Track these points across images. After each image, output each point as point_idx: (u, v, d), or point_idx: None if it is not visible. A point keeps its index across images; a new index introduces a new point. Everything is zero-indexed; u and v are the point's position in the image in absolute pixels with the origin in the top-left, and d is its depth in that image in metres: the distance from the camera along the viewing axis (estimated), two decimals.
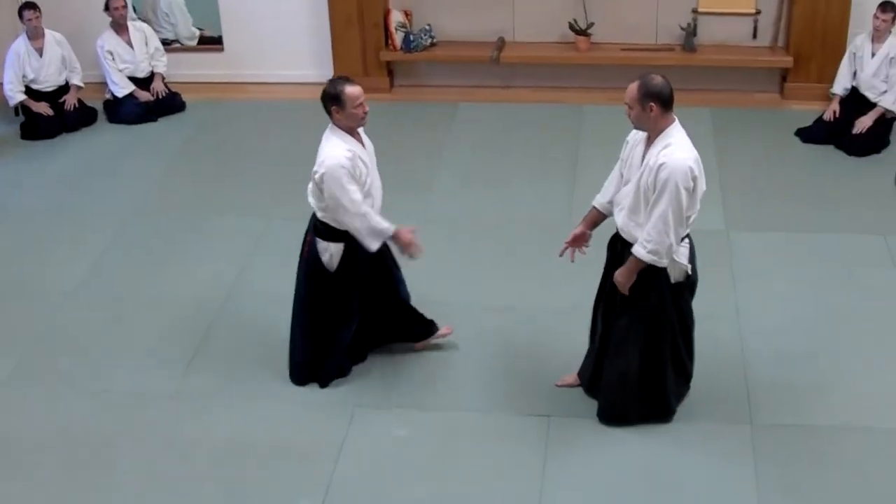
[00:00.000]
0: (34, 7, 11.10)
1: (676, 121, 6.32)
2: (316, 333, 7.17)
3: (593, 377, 7.00)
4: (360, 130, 6.94)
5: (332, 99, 6.73)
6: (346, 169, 6.65)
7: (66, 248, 9.07)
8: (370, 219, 6.72)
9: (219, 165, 10.49)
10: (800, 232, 8.95)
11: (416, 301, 7.53)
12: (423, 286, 7.88)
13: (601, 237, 6.78)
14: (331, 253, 6.94)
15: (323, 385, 7.26)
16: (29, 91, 11.27)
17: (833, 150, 10.33)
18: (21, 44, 11.20)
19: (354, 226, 6.71)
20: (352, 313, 7.16)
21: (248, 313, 8.14)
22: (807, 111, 10.86)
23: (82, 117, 11.43)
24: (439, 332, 7.54)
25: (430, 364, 7.46)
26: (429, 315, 7.50)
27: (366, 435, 6.89)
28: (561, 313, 7.88)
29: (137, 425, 7.04)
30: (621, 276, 6.46)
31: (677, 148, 6.19)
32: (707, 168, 9.49)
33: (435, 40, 11.78)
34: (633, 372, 6.65)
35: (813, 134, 10.51)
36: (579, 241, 6.83)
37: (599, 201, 6.76)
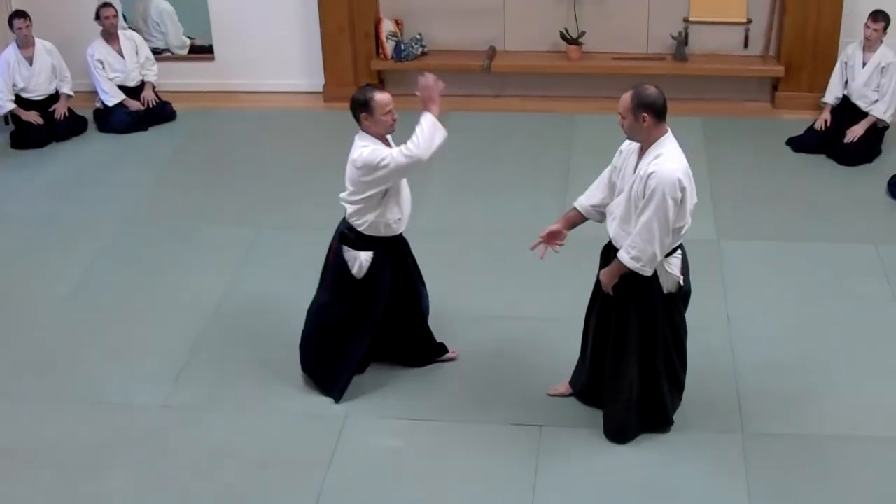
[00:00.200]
0: (24, 16, 11.10)
1: (669, 132, 6.31)
2: (333, 339, 7.15)
3: (587, 386, 6.99)
4: (389, 138, 6.89)
5: (361, 105, 6.74)
6: (381, 150, 6.67)
7: (56, 258, 9.05)
8: (417, 145, 6.68)
9: (209, 174, 10.47)
10: (791, 241, 8.95)
11: None
12: None
13: (593, 246, 6.76)
14: (360, 262, 6.93)
15: (338, 400, 7.21)
16: (19, 100, 11.26)
17: (824, 159, 10.34)
18: (11, 52, 11.18)
19: (414, 158, 6.64)
20: (373, 323, 7.14)
21: (239, 323, 8.12)
22: (798, 120, 10.86)
23: (72, 126, 11.42)
24: (447, 356, 7.55)
25: (422, 374, 7.44)
26: None
27: (357, 445, 6.87)
28: (553, 322, 7.86)
29: (127, 435, 7.01)
30: (604, 275, 6.49)
31: (668, 158, 6.19)
32: (698, 177, 9.47)
33: (426, 49, 11.79)
34: (634, 387, 6.65)
35: (804, 143, 10.51)
36: (554, 238, 6.80)
37: (581, 203, 6.74)
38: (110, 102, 11.45)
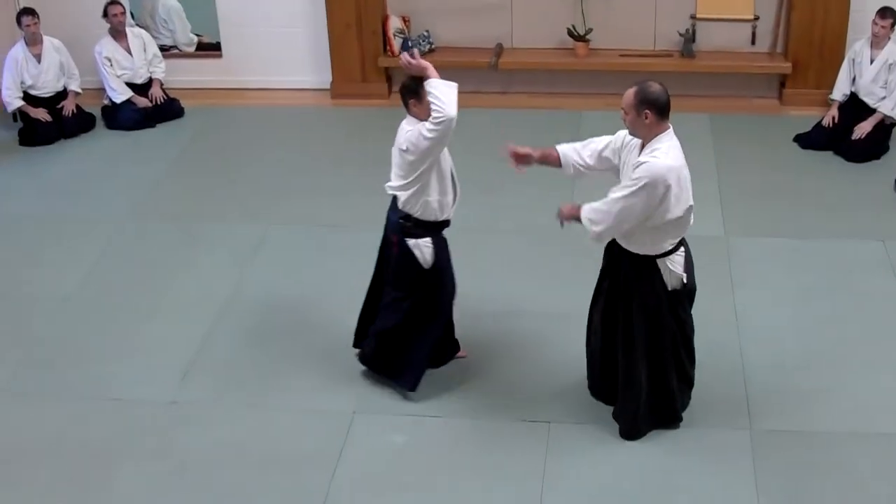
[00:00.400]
0: (32, 13, 11.11)
1: (671, 129, 6.31)
2: (409, 332, 7.14)
3: (598, 381, 7.00)
4: None
5: (411, 92, 6.79)
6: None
7: (64, 254, 9.06)
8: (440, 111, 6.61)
9: (217, 171, 10.48)
10: (799, 238, 8.94)
11: None
12: None
13: (581, 245, 6.76)
14: (421, 248, 6.94)
15: (413, 389, 7.21)
16: (27, 97, 11.27)
17: (832, 155, 10.32)
18: (19, 50, 11.19)
19: (444, 118, 6.57)
20: (447, 309, 7.20)
21: (247, 319, 8.13)
22: (806, 117, 10.85)
23: (80, 123, 11.43)
24: (458, 355, 7.57)
25: (429, 370, 7.44)
26: None
27: (365, 441, 6.88)
28: (560, 319, 7.85)
29: (134, 433, 7.03)
30: (564, 207, 6.56)
31: (662, 154, 6.20)
32: (706, 174, 9.50)
33: (433, 46, 11.78)
34: (644, 385, 6.65)
35: (812, 140, 10.50)
36: (522, 160, 6.79)
37: (565, 151, 6.71)
38: (118, 99, 11.46)
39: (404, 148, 6.73)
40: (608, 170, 6.59)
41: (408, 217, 6.91)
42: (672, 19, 11.42)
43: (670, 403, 6.77)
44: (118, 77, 11.47)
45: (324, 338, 7.86)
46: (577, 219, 6.46)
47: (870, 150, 10.23)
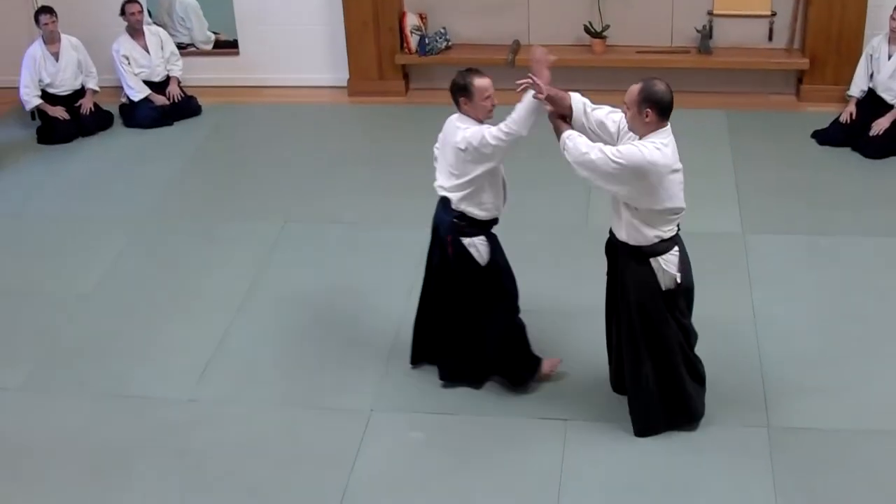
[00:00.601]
0: (50, 12, 11.14)
1: (668, 127, 6.31)
2: (496, 332, 7.12)
3: (615, 376, 7.03)
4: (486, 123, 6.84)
5: (461, 89, 6.76)
6: (482, 129, 6.65)
7: (82, 252, 9.09)
8: (518, 117, 6.60)
9: (234, 169, 10.50)
10: (816, 234, 8.92)
11: None
12: None
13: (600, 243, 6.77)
14: (477, 246, 6.91)
15: (532, 380, 7.21)
16: (45, 95, 11.31)
17: (849, 152, 10.29)
18: (37, 48, 11.23)
19: (513, 135, 6.56)
20: (515, 301, 7.17)
21: (265, 318, 8.14)
22: (823, 113, 10.82)
23: (98, 121, 11.46)
24: (545, 370, 7.49)
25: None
26: None
27: (382, 439, 6.89)
28: (577, 316, 7.85)
29: (153, 430, 7.05)
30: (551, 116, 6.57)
31: (652, 146, 6.19)
32: (723, 170, 9.48)
33: (450, 43, 11.79)
34: (651, 382, 6.64)
35: (829, 136, 10.48)
36: (539, 88, 6.60)
37: (576, 107, 6.57)
38: (136, 97, 11.49)
39: (463, 147, 6.66)
40: (604, 141, 6.50)
41: (462, 216, 6.86)
42: (689, 15, 11.41)
43: (684, 403, 6.76)
44: (136, 75, 11.50)
45: (341, 335, 7.88)
46: (557, 128, 6.45)
47: (887, 146, 10.20)
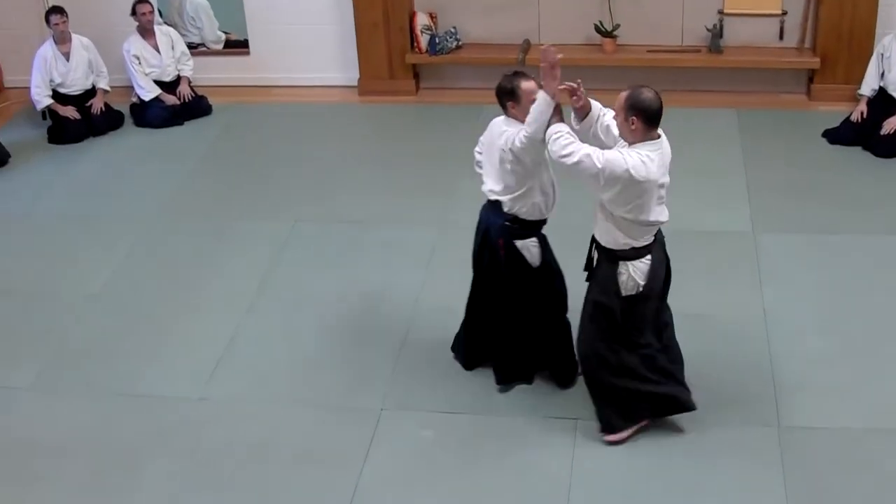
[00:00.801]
0: (61, 12, 11.15)
1: (661, 139, 6.25)
2: (544, 330, 7.13)
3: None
4: None
5: (507, 94, 6.71)
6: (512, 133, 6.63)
7: (92, 252, 9.10)
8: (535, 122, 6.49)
9: (245, 169, 10.50)
10: (827, 233, 8.91)
11: (440, 307, 7.54)
12: (447, 292, 7.88)
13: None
14: (529, 248, 6.90)
15: (569, 386, 7.23)
16: (56, 95, 11.33)
17: (860, 151, 10.27)
18: (48, 48, 11.25)
19: (529, 138, 6.47)
20: (565, 298, 7.15)
21: (275, 317, 8.15)
22: (834, 112, 10.80)
23: (109, 121, 11.47)
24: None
25: (456, 366, 7.45)
26: (452, 321, 7.50)
27: (392, 438, 6.89)
28: None
29: (163, 430, 7.06)
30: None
31: (637, 155, 6.13)
32: (734, 169, 9.45)
33: (460, 43, 11.78)
34: (607, 381, 6.67)
35: (840, 135, 10.45)
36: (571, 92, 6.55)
37: (595, 114, 6.55)
38: (146, 97, 11.50)
39: (505, 149, 6.64)
40: (605, 146, 6.46)
41: (514, 219, 6.84)
42: (699, 15, 11.39)
43: (644, 400, 6.72)
44: (146, 75, 11.51)
45: (352, 334, 7.88)
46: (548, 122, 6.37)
47: None
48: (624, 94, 6.19)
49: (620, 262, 6.43)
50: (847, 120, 10.49)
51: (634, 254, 6.41)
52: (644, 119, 6.14)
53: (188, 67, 11.79)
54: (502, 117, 6.84)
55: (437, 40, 11.58)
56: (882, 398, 7.05)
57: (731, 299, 7.77)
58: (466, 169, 9.52)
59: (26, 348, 7.93)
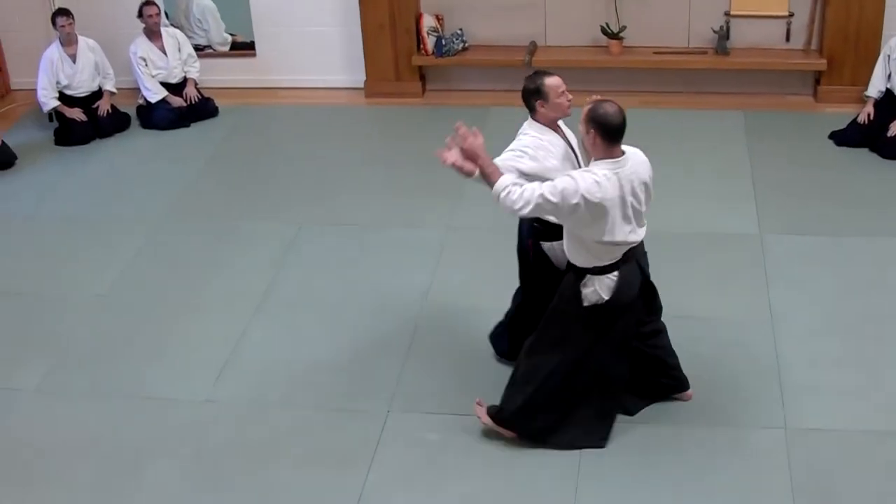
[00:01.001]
0: (67, 14, 11.17)
1: (622, 158, 6.14)
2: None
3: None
4: (561, 123, 6.76)
5: (534, 93, 6.62)
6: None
7: (99, 253, 9.11)
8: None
9: (251, 170, 10.51)
10: (834, 235, 8.90)
11: (446, 309, 7.52)
12: (452, 293, 7.88)
13: None
14: (555, 250, 6.86)
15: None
16: (63, 97, 11.34)
17: (867, 152, 10.26)
18: (54, 50, 11.26)
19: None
20: None
21: (281, 318, 8.15)
22: (841, 114, 10.79)
23: (115, 123, 11.48)
24: None
25: (463, 368, 7.45)
26: (459, 323, 7.49)
27: (399, 440, 6.88)
28: None
29: (169, 431, 7.05)
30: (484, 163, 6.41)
31: (591, 177, 6.04)
32: (740, 171, 9.44)
33: (467, 45, 11.79)
34: (543, 390, 6.64)
35: (847, 137, 10.44)
36: None
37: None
38: (153, 99, 11.51)
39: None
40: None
41: (541, 221, 6.80)
42: (706, 16, 11.38)
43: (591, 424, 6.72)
44: (153, 77, 11.52)
45: (358, 336, 7.87)
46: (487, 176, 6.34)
47: None
48: (587, 106, 6.10)
49: (587, 276, 6.38)
50: (854, 122, 10.48)
51: (598, 271, 6.34)
52: (602, 133, 6.04)
53: (195, 69, 11.80)
54: (528, 121, 6.77)
55: (443, 42, 11.58)
56: (889, 400, 7.03)
57: (737, 300, 7.76)
58: None
59: (32, 350, 7.93)
